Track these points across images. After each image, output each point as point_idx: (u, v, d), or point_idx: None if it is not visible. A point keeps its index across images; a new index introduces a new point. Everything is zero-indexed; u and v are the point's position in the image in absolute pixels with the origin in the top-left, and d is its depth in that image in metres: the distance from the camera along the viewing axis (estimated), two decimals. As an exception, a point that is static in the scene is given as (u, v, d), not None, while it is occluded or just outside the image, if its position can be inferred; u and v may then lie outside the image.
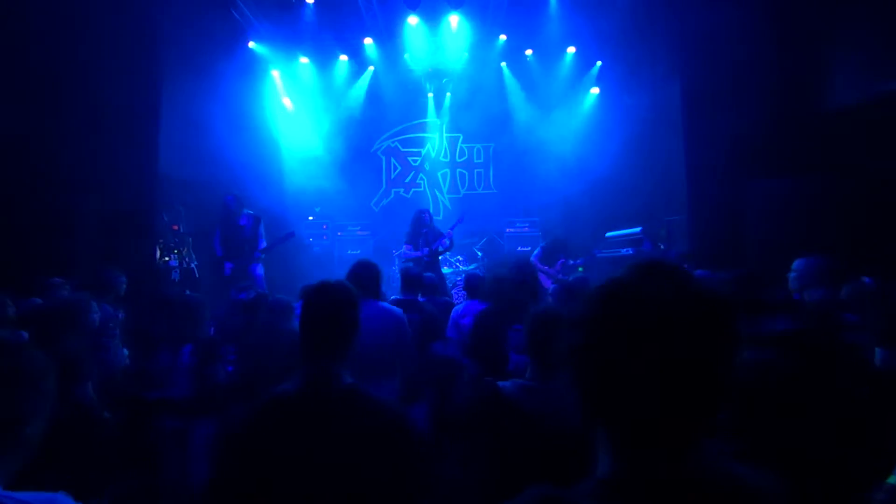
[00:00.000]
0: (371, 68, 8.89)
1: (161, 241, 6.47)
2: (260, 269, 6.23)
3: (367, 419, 1.44)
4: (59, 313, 2.96)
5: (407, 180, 9.65)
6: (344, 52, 8.62)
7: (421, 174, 9.66)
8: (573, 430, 1.67)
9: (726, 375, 0.65)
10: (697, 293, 0.66)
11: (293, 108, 8.90)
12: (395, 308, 2.97)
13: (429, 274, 4.61)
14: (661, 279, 0.67)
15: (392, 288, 7.13)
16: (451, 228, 6.45)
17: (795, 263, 2.97)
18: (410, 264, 5.08)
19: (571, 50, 8.49)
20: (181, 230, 6.75)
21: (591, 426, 0.69)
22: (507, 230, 8.92)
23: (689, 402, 0.64)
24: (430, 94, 9.35)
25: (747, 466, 0.66)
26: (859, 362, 1.78)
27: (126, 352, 3.80)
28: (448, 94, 9.29)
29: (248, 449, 1.42)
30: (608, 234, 7.59)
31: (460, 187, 9.65)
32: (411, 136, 9.67)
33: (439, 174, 9.66)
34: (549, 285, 6.35)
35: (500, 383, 1.81)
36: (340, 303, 1.56)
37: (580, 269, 6.79)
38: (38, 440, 1.10)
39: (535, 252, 6.82)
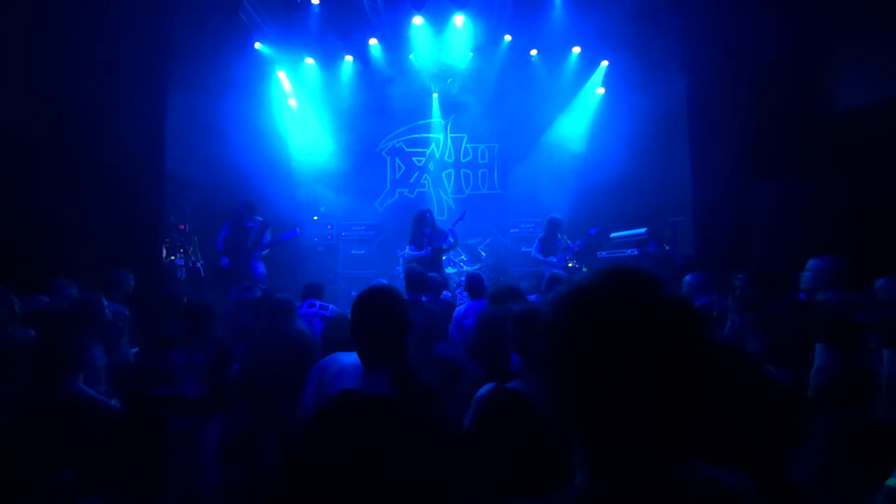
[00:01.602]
0: (375, 68, 8.92)
1: (167, 240, 6.53)
2: (261, 268, 6.27)
3: (441, 422, 1.45)
4: (71, 312, 3.01)
5: (411, 180, 9.67)
6: (349, 53, 8.64)
7: (425, 174, 9.67)
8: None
9: (696, 381, 0.64)
10: (663, 300, 0.66)
11: (299, 108, 8.94)
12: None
13: (432, 274, 4.63)
14: (627, 286, 0.67)
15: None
16: (453, 225, 6.47)
17: (810, 263, 2.97)
18: (414, 264, 5.10)
19: (576, 50, 8.48)
20: (187, 229, 6.81)
21: (567, 435, 0.68)
22: (512, 230, 8.92)
23: (660, 408, 0.63)
24: (435, 95, 9.36)
25: (725, 469, 0.65)
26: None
27: (134, 350, 3.85)
28: (453, 95, 9.31)
29: (330, 447, 1.39)
30: (613, 234, 7.58)
31: (465, 187, 9.66)
32: (416, 136, 9.69)
33: (444, 174, 9.67)
34: None
35: (507, 385, 1.81)
36: (401, 302, 1.61)
37: (584, 269, 6.79)
38: None
39: (535, 245, 6.82)
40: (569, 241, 6.74)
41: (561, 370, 0.67)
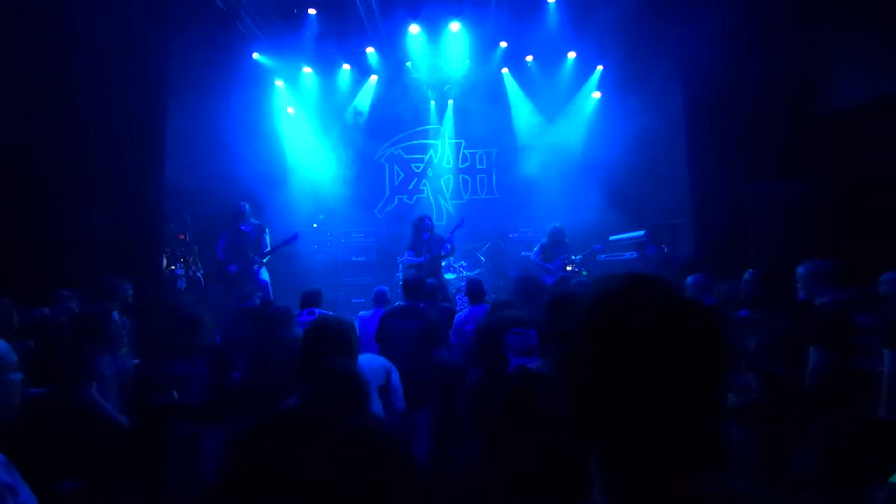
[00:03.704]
0: (374, 77, 8.98)
1: (168, 250, 6.54)
2: (265, 275, 6.26)
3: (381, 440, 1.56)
4: (82, 321, 3.02)
5: (410, 187, 9.70)
6: (347, 62, 8.71)
7: (424, 180, 9.70)
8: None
9: (719, 390, 0.63)
10: (685, 306, 0.65)
11: (297, 117, 9.00)
12: (380, 358, 3.14)
13: (430, 280, 4.63)
14: (648, 292, 0.65)
15: (396, 295, 7.18)
16: (452, 232, 6.48)
17: (803, 266, 2.97)
18: (413, 270, 5.10)
19: (572, 55, 8.53)
20: (187, 239, 6.82)
21: (585, 447, 0.66)
22: (511, 235, 8.93)
23: (682, 417, 0.61)
24: (433, 101, 9.42)
25: (748, 483, 0.63)
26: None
27: (134, 361, 3.85)
28: (450, 101, 9.36)
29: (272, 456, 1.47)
30: (612, 237, 7.59)
31: (463, 193, 9.68)
32: (414, 142, 9.73)
33: (442, 180, 9.70)
34: (550, 281, 6.38)
35: (530, 364, 1.90)
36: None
37: (584, 272, 6.78)
38: None
39: (535, 250, 6.83)
40: (572, 256, 6.75)
41: (579, 377, 0.65)
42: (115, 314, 3.58)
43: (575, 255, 6.85)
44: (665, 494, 0.61)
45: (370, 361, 3.00)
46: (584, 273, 6.78)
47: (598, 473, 0.65)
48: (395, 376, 3.02)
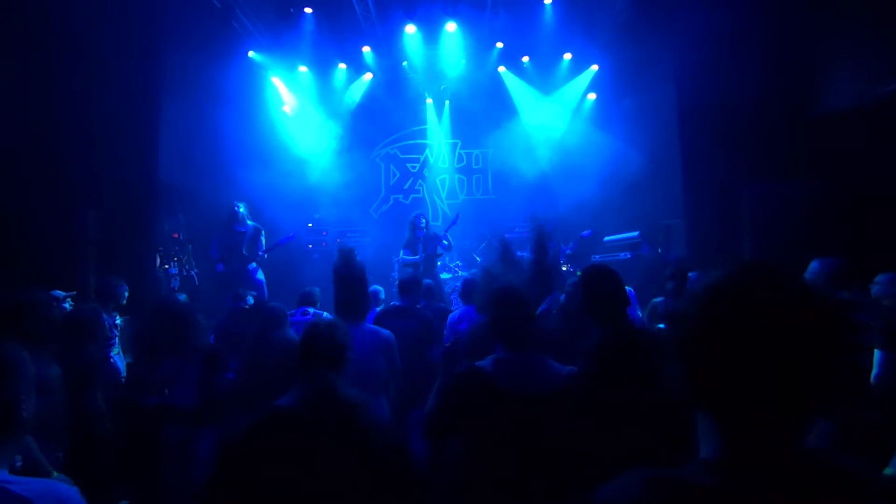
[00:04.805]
0: (369, 76, 8.96)
1: (161, 248, 6.51)
2: (260, 274, 6.24)
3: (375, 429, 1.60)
4: (81, 323, 3.00)
5: (406, 186, 9.70)
6: (343, 61, 8.69)
7: (420, 180, 9.70)
8: (540, 395, 1.83)
9: (826, 368, 0.69)
10: (796, 292, 0.71)
11: (293, 115, 8.97)
12: (383, 330, 2.97)
13: (426, 280, 4.63)
14: (763, 278, 0.72)
15: (391, 294, 7.18)
16: (446, 230, 6.48)
17: (811, 266, 3.01)
18: (409, 270, 5.08)
19: (567, 56, 8.55)
20: (181, 238, 6.79)
21: (698, 411, 0.75)
22: (506, 235, 8.92)
23: (791, 393, 0.68)
24: (429, 101, 9.41)
25: (847, 456, 0.70)
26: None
27: (127, 360, 3.83)
28: (446, 101, 9.36)
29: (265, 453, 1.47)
30: (606, 238, 7.61)
31: (459, 193, 9.69)
32: (410, 142, 9.73)
33: (438, 180, 9.70)
34: None
35: (478, 363, 1.96)
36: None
37: (578, 272, 6.79)
38: (31, 423, 1.21)
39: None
40: (561, 245, 6.75)
41: (701, 355, 0.72)
42: (104, 314, 3.56)
43: (564, 245, 6.83)
44: (770, 459, 0.67)
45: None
46: (578, 273, 6.78)
47: (710, 433, 0.73)
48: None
